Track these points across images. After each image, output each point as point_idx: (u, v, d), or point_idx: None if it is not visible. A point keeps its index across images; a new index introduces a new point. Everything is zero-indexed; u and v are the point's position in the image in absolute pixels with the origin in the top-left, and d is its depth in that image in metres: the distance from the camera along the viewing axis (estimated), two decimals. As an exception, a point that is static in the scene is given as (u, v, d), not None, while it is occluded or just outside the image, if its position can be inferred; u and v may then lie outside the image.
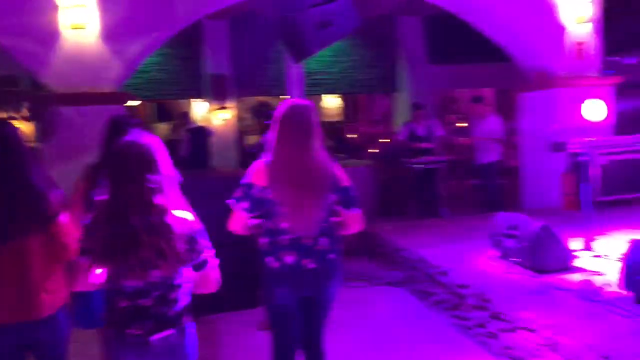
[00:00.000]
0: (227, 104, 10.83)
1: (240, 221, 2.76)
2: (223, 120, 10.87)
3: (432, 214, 8.14)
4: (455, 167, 9.36)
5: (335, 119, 13.73)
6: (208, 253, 2.19)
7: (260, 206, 2.74)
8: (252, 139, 11.64)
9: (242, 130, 11.79)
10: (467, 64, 11.78)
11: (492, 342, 4.04)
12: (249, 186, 2.74)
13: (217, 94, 10.72)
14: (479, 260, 5.28)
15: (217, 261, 2.24)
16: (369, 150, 11.38)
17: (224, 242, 2.68)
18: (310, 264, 2.76)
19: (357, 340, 4.41)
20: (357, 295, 5.44)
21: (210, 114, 10.88)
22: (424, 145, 8.28)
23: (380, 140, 11.81)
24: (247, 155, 8.25)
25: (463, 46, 10.76)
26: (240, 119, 11.65)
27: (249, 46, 10.53)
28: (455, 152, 9.62)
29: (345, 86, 11.69)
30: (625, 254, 3.83)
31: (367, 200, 8.42)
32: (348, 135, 13.50)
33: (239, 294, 4.98)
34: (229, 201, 2.77)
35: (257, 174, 2.76)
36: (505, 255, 5.07)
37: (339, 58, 11.39)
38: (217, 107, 10.77)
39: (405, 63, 11.90)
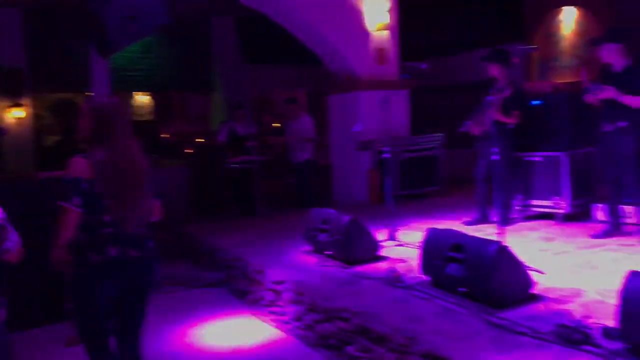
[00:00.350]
0: (22, 101, 9.82)
1: (73, 220, 2.72)
2: (17, 118, 9.84)
3: (250, 213, 8.20)
4: (271, 166, 9.55)
5: (147, 117, 13.18)
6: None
7: (88, 200, 2.73)
8: (51, 139, 10.69)
9: (40, 130, 10.75)
10: (281, 65, 12.08)
11: (308, 334, 4.18)
12: (77, 181, 2.72)
13: (10, 89, 9.69)
14: (294, 256, 5.43)
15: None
16: (184, 150, 11.12)
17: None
18: (133, 252, 2.87)
19: (172, 345, 4.29)
20: (172, 301, 5.29)
21: (1, 112, 9.77)
22: (247, 144, 8.32)
23: (196, 139, 11.61)
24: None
25: (277, 48, 11.01)
26: (37, 117, 10.61)
27: (47, 38, 9.65)
28: (271, 151, 9.82)
29: (156, 84, 11.28)
30: (422, 242, 4.20)
31: (182, 201, 8.21)
32: (162, 135, 13.06)
33: (44, 308, 4.60)
34: (61, 202, 2.71)
35: (81, 168, 2.74)
36: (319, 250, 5.29)
37: (148, 55, 10.96)
38: (10, 103, 9.72)
39: (219, 63, 11.84)
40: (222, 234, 6.82)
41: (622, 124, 4.90)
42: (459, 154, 9.63)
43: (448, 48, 11.72)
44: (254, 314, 4.94)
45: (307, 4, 8.00)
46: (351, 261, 4.85)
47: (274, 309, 4.78)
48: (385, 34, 8.67)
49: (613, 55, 4.96)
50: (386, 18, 8.53)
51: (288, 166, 8.79)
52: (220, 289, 5.67)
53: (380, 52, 8.67)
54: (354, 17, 8.44)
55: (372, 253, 5.00)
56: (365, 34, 8.57)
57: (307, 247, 5.53)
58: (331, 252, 5.07)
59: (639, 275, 2.85)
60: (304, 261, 5.23)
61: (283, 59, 11.80)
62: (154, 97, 13.04)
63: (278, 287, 4.78)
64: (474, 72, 7.48)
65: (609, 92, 4.81)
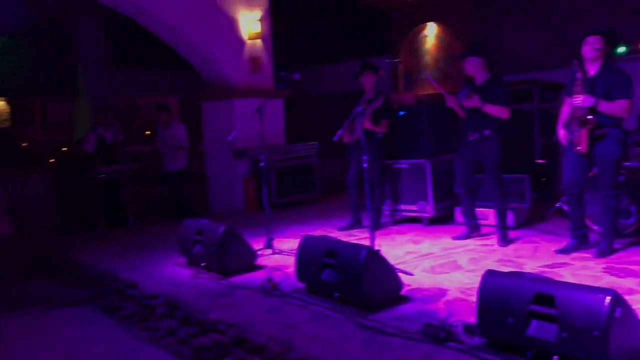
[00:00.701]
0: None
1: None
2: None
3: (121, 224, 7.84)
4: (143, 175, 9.20)
5: (4, 124, 12.17)
6: None
7: None
8: None
9: None
10: (152, 71, 11.69)
11: (183, 348, 4.07)
12: None
13: None
14: (168, 269, 5.26)
15: None
16: (47, 160, 10.38)
17: None
18: None
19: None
20: (29, 325, 4.90)
21: None
22: (115, 152, 7.93)
23: (60, 148, 10.90)
24: None
25: (148, 52, 10.65)
26: None
27: None
28: (141, 159, 9.45)
29: (14, 88, 10.45)
30: (297, 249, 4.26)
31: (45, 214, 7.67)
32: (21, 143, 12.10)
33: None
34: None
35: None
36: (193, 261, 5.16)
37: (5, 57, 10.13)
38: None
39: (84, 66, 11.22)
40: (90, 247, 6.45)
41: (487, 132, 5.30)
42: (333, 161, 9.90)
43: (321, 58, 12.02)
44: (125, 331, 4.71)
45: (177, 10, 7.82)
46: (227, 272, 4.79)
47: (147, 324, 4.59)
48: (259, 42, 8.70)
49: (475, 69, 5.35)
50: (259, 27, 8.56)
51: (160, 175, 8.52)
52: (88, 307, 5.34)
53: (255, 61, 8.69)
54: (228, 25, 8.39)
55: (248, 263, 4.97)
56: (240, 42, 8.54)
57: (181, 260, 5.38)
58: (206, 264, 4.97)
59: (493, 274, 3.09)
60: (178, 274, 5.08)
61: (154, 64, 11.44)
62: (11, 102, 12.06)
63: (151, 302, 4.60)
64: (346, 82, 7.73)
65: (474, 101, 5.18)
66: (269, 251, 5.49)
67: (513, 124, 8.04)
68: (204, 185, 9.08)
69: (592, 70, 4.62)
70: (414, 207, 6.55)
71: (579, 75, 4.60)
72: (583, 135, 4.59)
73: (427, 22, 10.68)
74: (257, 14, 8.63)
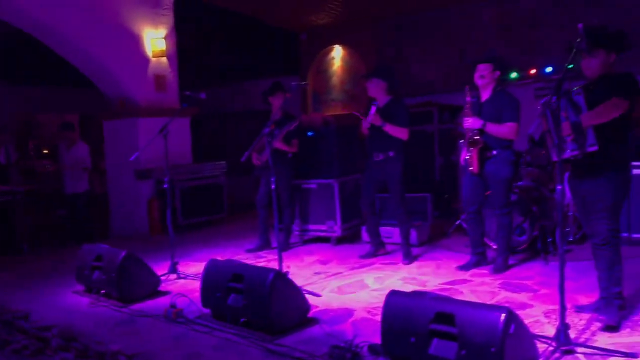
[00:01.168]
0: None
1: None
2: None
3: (12, 251, 7.31)
4: (39, 197, 8.66)
5: None
6: None
7: None
8: None
9: None
10: (51, 87, 11.13)
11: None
12: None
13: None
14: (65, 297, 4.96)
15: None
16: None
17: None
18: None
19: None
20: None
21: None
22: (10, 172, 7.42)
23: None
24: None
25: (47, 68, 10.10)
26: None
27: None
28: (38, 180, 8.92)
29: None
30: (202, 274, 4.15)
31: None
32: None
33: None
34: None
35: None
36: (92, 289, 4.90)
37: None
38: None
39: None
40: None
41: (391, 153, 5.44)
42: (242, 181, 9.81)
43: (230, 77, 11.95)
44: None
45: (77, 26, 7.49)
46: (128, 299, 4.59)
47: (40, 358, 4.29)
48: (165, 60, 8.51)
49: (378, 91, 5.50)
50: (164, 45, 8.37)
51: (61, 197, 8.05)
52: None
53: (160, 79, 8.47)
54: (132, 42, 8.14)
55: (151, 289, 4.79)
56: (144, 59, 8.31)
57: (80, 287, 5.10)
58: (106, 291, 4.74)
59: (396, 294, 3.16)
60: (75, 303, 4.80)
61: (53, 80, 10.88)
62: None
63: (45, 334, 4.30)
64: (255, 101, 7.71)
65: (376, 120, 5.31)
66: (174, 276, 5.32)
67: (415, 144, 8.37)
68: (105, 207, 8.67)
69: (485, 94, 4.91)
70: (322, 227, 6.60)
71: (467, 99, 4.87)
72: (474, 155, 4.84)
73: (334, 45, 10.91)
74: (162, 31, 8.44)
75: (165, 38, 8.42)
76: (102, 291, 4.78)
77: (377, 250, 5.85)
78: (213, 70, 11.81)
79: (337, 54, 10.94)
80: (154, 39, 8.33)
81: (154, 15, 8.39)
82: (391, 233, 6.11)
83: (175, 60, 8.72)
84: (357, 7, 9.61)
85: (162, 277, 5.11)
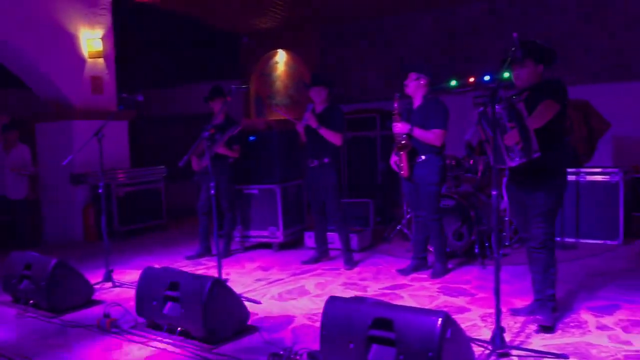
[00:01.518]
0: None
1: None
2: None
3: None
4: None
5: None
6: None
7: None
8: None
9: None
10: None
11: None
12: None
13: None
14: (-11, 309, 4.70)
15: None
16: None
17: None
18: None
19: None
20: None
21: None
22: None
23: None
24: None
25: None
26: None
27: None
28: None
29: None
30: (137, 282, 4.01)
31: None
32: None
33: None
34: None
35: None
36: (20, 299, 4.66)
37: None
38: None
39: None
40: None
41: (326, 160, 5.45)
42: (183, 186, 9.60)
43: (172, 80, 11.70)
44: None
45: (7, 24, 7.15)
46: (59, 309, 4.38)
47: (-40, 375, 4.04)
48: (101, 62, 8.24)
49: (318, 97, 5.52)
50: (101, 45, 8.11)
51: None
52: None
53: (96, 81, 8.20)
54: (67, 42, 7.85)
55: (84, 298, 4.59)
56: (80, 60, 8.02)
57: (7, 298, 4.84)
58: (35, 301, 4.51)
59: (336, 300, 3.13)
60: (1, 314, 4.55)
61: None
62: None
63: (-34, 349, 4.06)
64: (196, 104, 7.56)
65: (312, 121, 5.32)
66: (109, 284, 5.13)
67: (358, 150, 8.47)
68: (38, 213, 8.30)
69: (416, 102, 5.02)
70: (264, 233, 6.53)
71: (395, 105, 4.98)
72: (403, 160, 4.94)
73: (278, 49, 10.87)
74: (99, 32, 8.17)
75: (102, 38, 8.16)
76: (31, 301, 4.56)
77: (322, 257, 5.83)
78: (154, 73, 11.55)
79: (281, 58, 10.91)
80: (91, 40, 8.06)
81: (90, 15, 8.13)
82: (333, 238, 6.11)
83: (112, 61, 8.46)
84: (300, 12, 9.62)
85: (96, 286, 4.93)
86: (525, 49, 3.51)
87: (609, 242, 6.03)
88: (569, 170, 5.04)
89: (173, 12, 9.54)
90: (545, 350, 3.25)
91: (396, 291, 4.66)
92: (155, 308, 3.84)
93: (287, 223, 6.49)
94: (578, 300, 4.20)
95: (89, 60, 8.11)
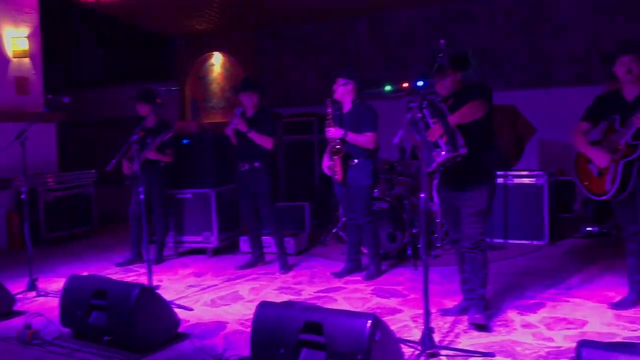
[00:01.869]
0: None
1: None
2: None
3: None
4: None
5: None
6: None
7: None
8: None
9: None
10: None
11: None
12: None
13: None
14: None
15: None
16: None
17: None
18: None
19: None
20: None
21: None
22: None
23: None
24: None
25: None
26: None
27: None
28: None
29: None
30: (62, 291, 3.85)
31: None
32: None
33: None
34: None
35: None
36: None
37: None
38: None
39: None
40: None
41: (257, 164, 5.42)
42: (114, 191, 9.30)
43: (102, 81, 11.36)
44: None
45: None
46: (-24, 321, 4.15)
47: None
48: (27, 62, 7.90)
49: (248, 101, 5.49)
50: (27, 45, 7.77)
51: None
52: None
53: (21, 81, 7.84)
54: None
55: (4, 309, 4.36)
56: (3, 60, 7.65)
57: None
58: (-50, 313, 4.26)
59: (267, 305, 3.10)
60: None
61: None
62: None
63: None
64: (127, 107, 7.35)
65: (241, 125, 5.29)
66: (33, 294, 4.90)
67: (295, 153, 8.47)
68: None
69: (346, 107, 5.09)
70: (198, 238, 6.41)
71: (329, 110, 5.05)
72: (337, 164, 5.00)
73: (213, 52, 10.74)
74: (24, 30, 7.83)
75: (28, 37, 7.82)
76: (-55, 314, 4.30)
77: (258, 261, 5.78)
78: (84, 74, 11.18)
79: (217, 60, 10.79)
80: (15, 38, 7.71)
81: (14, 13, 7.77)
82: (269, 242, 6.07)
83: (39, 61, 8.12)
84: (234, 14, 9.53)
85: (19, 296, 4.70)
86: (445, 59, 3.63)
87: (535, 242, 6.26)
88: (498, 172, 5.20)
89: (107, 13, 9.27)
90: (472, 349, 3.33)
91: (330, 294, 4.68)
92: (80, 317, 3.69)
93: (221, 228, 6.40)
94: (505, 299, 4.33)
95: (14, 60, 7.75)
